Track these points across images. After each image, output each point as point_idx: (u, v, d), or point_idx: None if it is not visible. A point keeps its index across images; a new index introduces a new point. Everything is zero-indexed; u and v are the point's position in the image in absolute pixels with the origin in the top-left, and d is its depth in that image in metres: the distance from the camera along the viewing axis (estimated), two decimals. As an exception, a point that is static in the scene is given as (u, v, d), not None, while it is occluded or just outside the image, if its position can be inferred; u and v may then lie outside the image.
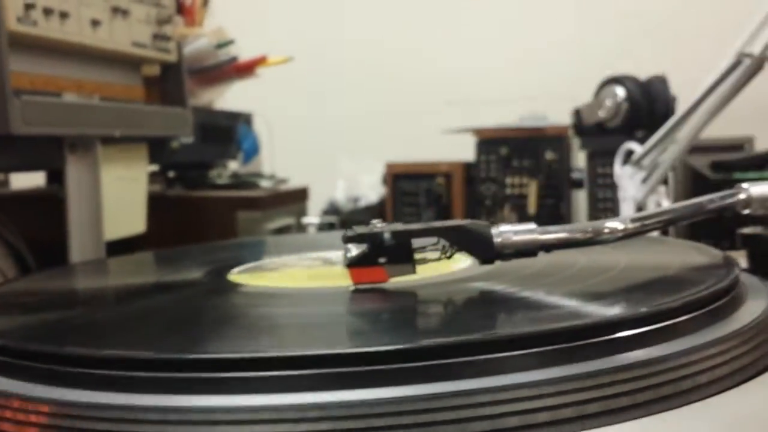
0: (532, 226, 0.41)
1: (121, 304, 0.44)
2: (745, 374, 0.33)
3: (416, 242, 0.42)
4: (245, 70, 1.05)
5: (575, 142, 1.94)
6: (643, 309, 0.34)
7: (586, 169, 1.82)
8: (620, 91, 1.79)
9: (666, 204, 1.18)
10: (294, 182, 2.09)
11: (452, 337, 0.30)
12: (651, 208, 1.19)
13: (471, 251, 0.41)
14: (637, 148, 1.21)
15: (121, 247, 0.90)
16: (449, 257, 0.41)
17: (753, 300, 0.39)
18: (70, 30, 0.75)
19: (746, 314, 0.37)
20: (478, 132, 1.95)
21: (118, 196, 0.88)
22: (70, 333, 0.37)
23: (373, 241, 0.41)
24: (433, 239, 0.42)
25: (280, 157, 2.32)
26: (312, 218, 1.08)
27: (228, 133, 1.11)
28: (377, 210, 2.04)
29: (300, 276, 0.48)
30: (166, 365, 0.30)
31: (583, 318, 0.34)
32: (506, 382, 0.29)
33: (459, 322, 0.38)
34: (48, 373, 0.32)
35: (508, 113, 2.07)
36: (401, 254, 0.41)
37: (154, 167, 1.07)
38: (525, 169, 1.91)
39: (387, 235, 0.40)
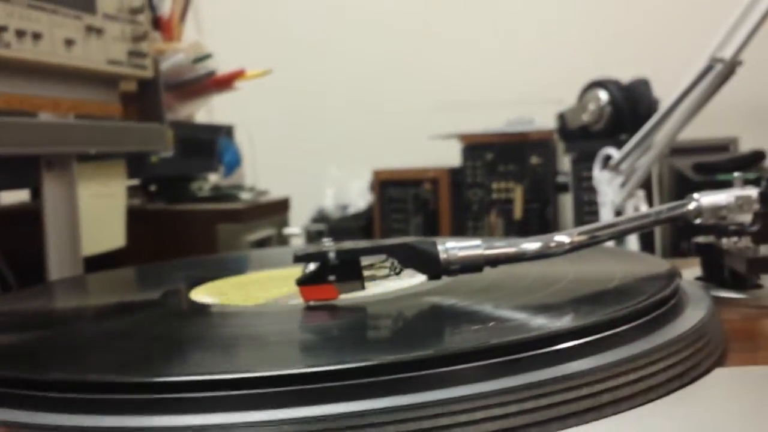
0: (478, 242, 0.43)
1: (79, 327, 0.45)
2: (681, 381, 0.34)
3: (367, 259, 0.43)
4: (223, 83, 1.06)
5: (561, 146, 1.95)
6: (582, 321, 0.35)
7: (571, 173, 1.83)
8: (603, 95, 1.81)
9: (644, 208, 1.19)
10: (282, 192, 2.11)
11: (404, 353, 0.31)
12: (629, 212, 1.21)
13: (418, 268, 0.42)
14: (614, 153, 1.22)
15: (101, 261, 0.91)
16: (398, 273, 0.42)
17: (692, 310, 0.40)
18: (44, 50, 0.76)
19: (683, 324, 0.38)
20: (463, 137, 1.96)
21: (96, 211, 0.89)
22: (28, 356, 0.38)
23: (322, 259, 0.42)
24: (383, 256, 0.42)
25: (266, 167, 2.33)
26: (294, 229, 1.09)
27: (209, 146, 1.13)
28: (365, 217, 2.05)
29: (261, 293, 0.49)
30: (119, 388, 0.31)
31: (528, 331, 0.35)
32: (455, 395, 0.30)
33: (410, 337, 0.39)
34: (5, 396, 0.33)
35: (496, 117, 2.08)
36: (350, 272, 0.42)
37: (135, 181, 1.08)
38: (511, 174, 1.92)
39: (333, 254, 0.41)
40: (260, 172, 2.26)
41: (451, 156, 2.01)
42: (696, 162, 1.74)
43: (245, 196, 1.09)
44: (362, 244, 0.43)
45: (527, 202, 1.90)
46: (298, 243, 1.27)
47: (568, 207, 1.90)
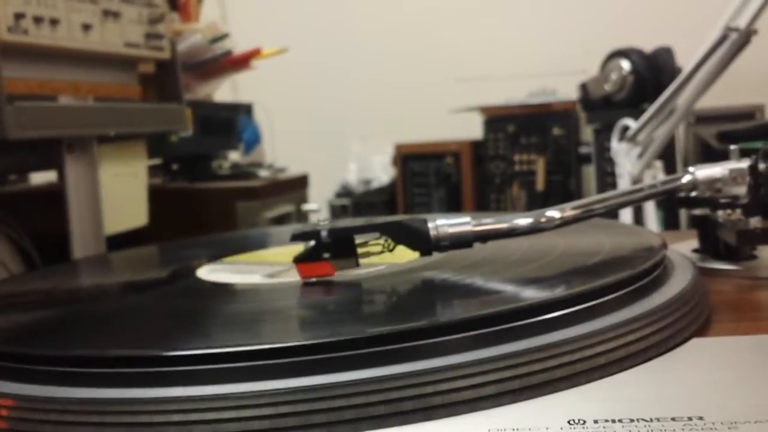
0: (467, 218, 0.44)
1: (91, 304, 0.47)
2: (658, 350, 0.36)
3: (361, 237, 0.44)
4: (240, 62, 1.08)
5: (583, 116, 1.95)
6: (566, 293, 0.37)
7: (594, 144, 1.83)
8: (625, 64, 1.80)
9: (661, 178, 1.19)
10: (306, 168, 2.13)
11: (398, 325, 0.33)
12: (647, 183, 1.20)
13: (409, 245, 0.44)
14: (632, 123, 1.22)
15: (125, 239, 0.93)
16: (391, 250, 0.44)
17: (674, 281, 0.41)
18: (61, 36, 0.79)
19: (663, 295, 0.39)
20: (484, 110, 1.96)
21: (118, 191, 0.91)
22: (45, 333, 0.40)
23: (317, 238, 0.43)
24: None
25: (289, 144, 2.35)
26: (312, 205, 1.11)
27: (228, 124, 1.15)
28: (389, 191, 2.07)
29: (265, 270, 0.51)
30: (136, 361, 0.33)
31: (515, 302, 0.37)
32: (447, 363, 0.32)
33: (403, 309, 0.40)
34: (17, 372, 0.35)
35: (518, 89, 2.08)
36: (345, 249, 0.43)
37: (157, 161, 1.11)
38: (533, 146, 1.92)
39: (325, 233, 0.43)
40: (283, 148, 2.29)
41: (473, 129, 2.02)
42: (719, 130, 1.73)
43: (263, 173, 1.11)
44: (356, 222, 0.44)
45: (550, 174, 1.91)
46: (317, 219, 1.29)
47: (591, 178, 1.90)
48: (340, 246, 0.43)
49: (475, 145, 1.99)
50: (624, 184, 1.21)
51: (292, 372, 0.32)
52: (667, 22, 2.13)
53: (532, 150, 1.93)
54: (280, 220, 1.08)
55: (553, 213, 0.45)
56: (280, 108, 2.38)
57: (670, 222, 1.66)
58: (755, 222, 0.49)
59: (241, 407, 0.30)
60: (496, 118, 1.97)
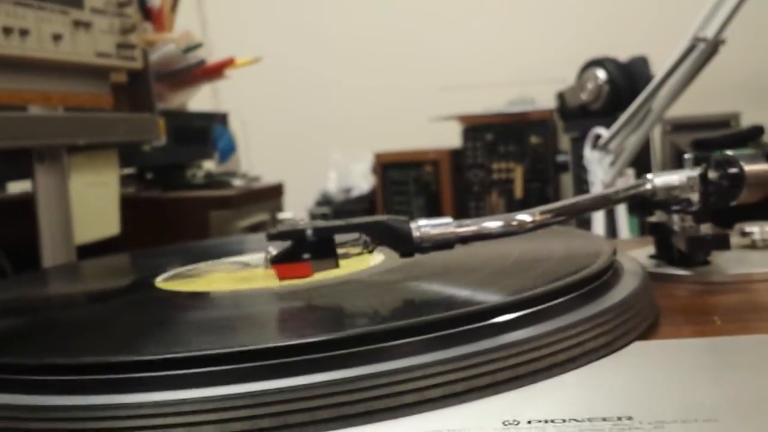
0: (449, 220, 0.43)
1: (52, 313, 0.48)
2: (599, 353, 0.37)
3: (340, 237, 0.44)
4: (214, 72, 1.08)
5: (561, 125, 1.96)
6: (511, 298, 0.38)
7: (571, 152, 1.85)
8: (601, 74, 1.81)
9: (622, 185, 1.20)
10: (285, 177, 2.13)
11: (353, 329, 0.33)
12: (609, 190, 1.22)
13: (391, 245, 0.43)
14: (604, 132, 1.24)
15: (97, 249, 0.94)
16: (370, 251, 0.43)
17: (620, 287, 0.42)
18: (31, 46, 0.79)
19: (608, 300, 0.40)
20: (463, 119, 1.98)
21: (90, 201, 0.92)
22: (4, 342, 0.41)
23: (297, 237, 0.41)
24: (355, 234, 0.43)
25: (269, 152, 2.35)
26: (287, 213, 1.11)
27: (202, 133, 1.15)
28: (369, 199, 2.07)
29: (224, 280, 0.51)
30: (93, 369, 0.33)
31: (459, 308, 0.37)
32: (399, 366, 0.32)
33: (351, 315, 0.41)
34: None
35: (497, 98, 2.09)
36: (325, 250, 0.42)
37: (131, 170, 1.11)
38: (511, 154, 1.94)
39: (309, 232, 0.41)
40: (264, 157, 2.29)
41: (452, 137, 2.03)
42: (694, 138, 1.75)
43: (237, 182, 1.11)
44: (336, 222, 0.43)
45: (527, 182, 1.92)
46: (294, 219, 1.29)
47: (569, 186, 1.91)
48: (320, 246, 0.42)
49: (454, 154, 2.01)
50: (597, 192, 1.22)
51: (237, 378, 0.32)
52: (643, 31, 2.15)
53: (510, 158, 1.95)
54: (255, 228, 1.08)
55: (525, 217, 0.45)
56: (261, 116, 2.39)
57: (645, 228, 1.67)
58: (706, 228, 0.50)
59: (187, 413, 0.31)
60: (475, 127, 1.98)
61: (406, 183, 2.00)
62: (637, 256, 0.59)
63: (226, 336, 0.39)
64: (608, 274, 0.43)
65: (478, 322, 0.36)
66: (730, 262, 0.54)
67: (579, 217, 1.36)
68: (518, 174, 1.91)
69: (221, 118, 1.22)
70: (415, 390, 0.32)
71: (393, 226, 0.43)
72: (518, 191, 1.91)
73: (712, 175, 0.50)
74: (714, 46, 1.04)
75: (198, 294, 0.48)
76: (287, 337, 0.35)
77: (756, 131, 1.76)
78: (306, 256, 0.42)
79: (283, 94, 2.41)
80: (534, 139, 1.93)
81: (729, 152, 0.49)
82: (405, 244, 0.43)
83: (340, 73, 2.39)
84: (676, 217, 0.54)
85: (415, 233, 0.43)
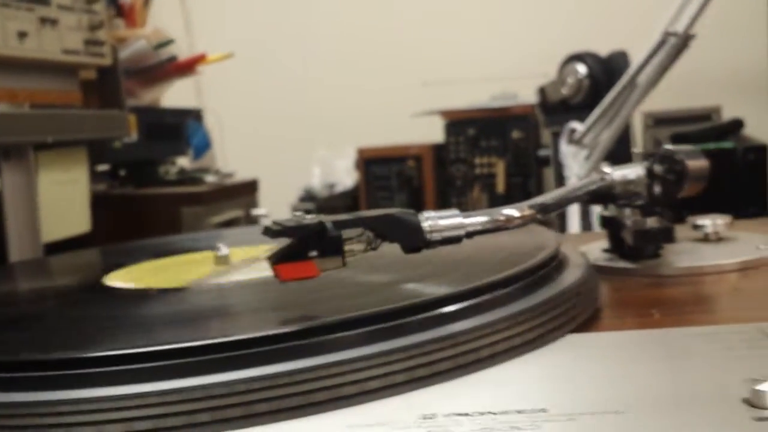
0: (456, 211, 0.41)
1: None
2: (528, 347, 0.37)
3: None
4: (186, 68, 1.08)
5: (543, 119, 1.96)
6: (459, 288, 0.38)
7: (552, 147, 1.85)
8: (581, 68, 1.81)
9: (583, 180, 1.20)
10: (269, 173, 2.12)
11: (300, 324, 0.33)
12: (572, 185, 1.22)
13: (400, 240, 0.40)
14: (579, 127, 1.24)
15: (69, 246, 0.93)
16: (375, 249, 0.39)
17: (560, 280, 0.42)
18: (-5, 43, 0.79)
19: (546, 293, 0.40)
20: (445, 114, 1.98)
21: (59, 198, 0.92)
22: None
23: (305, 233, 0.37)
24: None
25: (254, 149, 2.35)
26: (261, 210, 1.11)
27: (176, 130, 1.15)
28: (352, 195, 2.08)
29: (172, 276, 0.51)
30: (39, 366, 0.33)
31: (388, 304, 0.37)
32: (340, 358, 0.33)
33: (304, 307, 0.41)
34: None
35: (480, 93, 2.10)
36: (331, 247, 0.38)
37: (105, 167, 1.11)
38: (493, 149, 1.94)
39: (331, 225, 0.37)
40: (247, 154, 2.29)
41: (435, 132, 2.03)
42: (673, 132, 1.75)
43: (210, 178, 1.11)
44: (343, 216, 0.39)
45: (509, 176, 1.92)
46: (266, 223, 1.29)
47: (551, 180, 1.91)
48: (326, 243, 0.38)
49: (437, 149, 2.01)
50: (557, 191, 1.22)
51: (175, 373, 0.32)
52: (623, 25, 2.15)
53: (492, 153, 1.95)
54: (228, 224, 1.08)
55: (512, 212, 0.45)
56: (245, 113, 2.39)
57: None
58: (652, 222, 0.50)
59: (122, 409, 0.31)
60: (457, 122, 1.98)
61: (388, 178, 2.00)
62: (592, 249, 0.60)
63: (163, 332, 0.39)
64: (546, 269, 0.43)
65: (401, 318, 0.36)
66: (680, 255, 0.55)
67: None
68: (500, 169, 1.91)
69: (195, 114, 1.22)
70: (331, 387, 0.32)
71: (403, 219, 0.40)
72: (500, 186, 1.91)
73: (657, 169, 0.50)
74: (684, 40, 1.04)
75: (141, 291, 0.48)
76: (225, 333, 0.35)
77: (735, 124, 1.77)
78: (313, 253, 0.38)
79: (268, 91, 2.40)
80: (516, 134, 1.93)
81: (669, 147, 0.49)
82: (415, 238, 0.40)
83: (324, 69, 2.38)
84: (628, 211, 0.54)
85: (425, 226, 0.40)
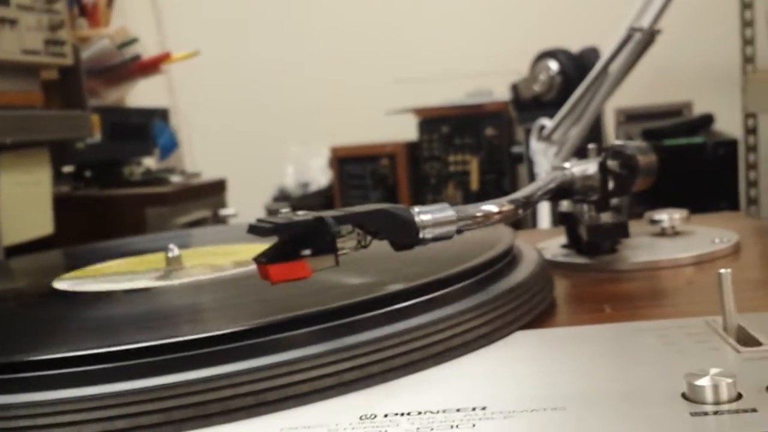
0: (446, 205, 0.39)
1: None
2: (474, 345, 0.37)
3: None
4: (150, 67, 1.07)
5: (516, 116, 1.97)
6: (406, 285, 0.37)
7: (525, 144, 1.85)
8: (553, 65, 1.82)
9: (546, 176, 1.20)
10: (242, 172, 2.11)
11: (247, 323, 0.33)
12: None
13: (393, 236, 0.38)
14: (548, 123, 1.24)
15: (33, 248, 0.92)
16: (365, 246, 0.37)
17: (512, 276, 0.42)
18: (-49, 43, 0.78)
19: (496, 289, 0.40)
20: (419, 111, 1.97)
21: (20, 200, 0.90)
22: None
23: (301, 229, 0.35)
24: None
25: (225, 149, 2.34)
26: (229, 210, 1.11)
27: (141, 129, 1.14)
28: (327, 194, 2.07)
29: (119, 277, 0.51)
30: None
31: (357, 296, 0.37)
32: (297, 356, 0.32)
33: (259, 307, 0.40)
34: None
35: (455, 90, 2.10)
36: (324, 244, 0.35)
37: (70, 168, 1.10)
38: (467, 146, 1.94)
39: (332, 220, 0.35)
40: (218, 153, 2.27)
41: (409, 130, 2.03)
42: (644, 128, 1.76)
43: (175, 179, 1.10)
44: (334, 211, 0.37)
45: (483, 174, 1.93)
46: (235, 223, 1.28)
47: (525, 177, 1.92)
48: (319, 241, 0.35)
49: (411, 147, 2.01)
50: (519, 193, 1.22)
51: (124, 375, 0.31)
52: (595, 22, 2.16)
53: (466, 150, 1.95)
54: (195, 225, 1.07)
55: (491, 207, 0.44)
56: (217, 111, 2.38)
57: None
58: (606, 217, 0.50)
59: (66, 412, 0.30)
60: (431, 120, 1.98)
61: (363, 177, 1.99)
62: (551, 245, 0.60)
63: (113, 335, 0.38)
64: (497, 266, 0.43)
65: (343, 317, 0.35)
66: (637, 250, 0.55)
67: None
68: (474, 166, 1.92)
69: (162, 114, 1.21)
70: (270, 389, 0.32)
71: (396, 214, 0.38)
72: (474, 183, 1.91)
73: (611, 164, 0.50)
74: (650, 36, 1.05)
75: (89, 294, 0.47)
76: (167, 334, 0.34)
77: (706, 120, 1.78)
78: (306, 252, 0.35)
79: (241, 89, 2.39)
80: (489, 131, 1.93)
81: (619, 142, 0.49)
82: (408, 234, 0.38)
83: (297, 68, 2.37)
84: (586, 207, 0.54)
85: (418, 221, 0.38)
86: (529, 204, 0.46)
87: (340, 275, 0.44)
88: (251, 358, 0.32)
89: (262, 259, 0.35)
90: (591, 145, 0.54)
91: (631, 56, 1.08)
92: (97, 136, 0.95)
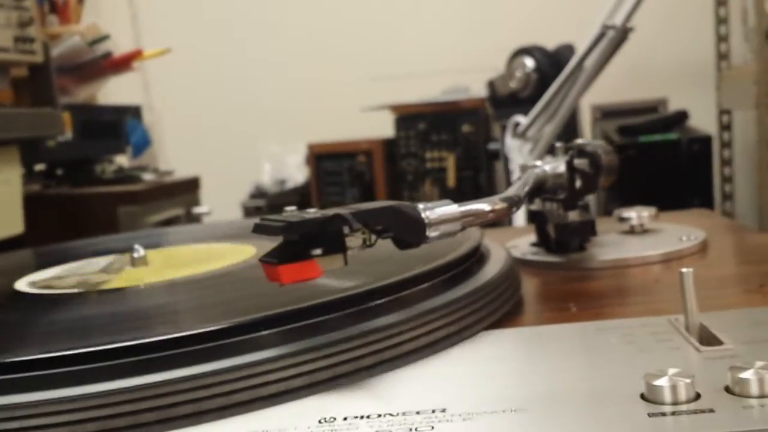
0: (449, 201, 0.39)
1: None
2: (453, 341, 0.37)
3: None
4: (121, 64, 1.06)
5: (492, 113, 1.97)
6: (368, 286, 0.37)
7: (501, 140, 1.85)
8: (529, 62, 1.82)
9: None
10: (217, 170, 2.09)
11: (210, 325, 0.32)
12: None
13: (401, 234, 0.37)
14: (523, 120, 1.24)
15: (2, 248, 0.91)
16: (371, 245, 0.36)
17: (478, 277, 0.42)
18: None
19: (460, 290, 0.40)
20: (395, 108, 1.97)
21: (-11, 199, 0.89)
22: None
23: (320, 227, 0.33)
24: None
25: (201, 146, 2.33)
26: (203, 208, 1.10)
27: (113, 127, 1.13)
28: (303, 191, 2.06)
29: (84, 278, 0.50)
30: None
31: (328, 295, 0.36)
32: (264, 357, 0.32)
33: (225, 309, 0.40)
34: None
35: (432, 87, 2.10)
36: (333, 243, 0.34)
37: (41, 166, 1.09)
38: (443, 143, 1.94)
39: (350, 215, 0.34)
40: (195, 151, 2.26)
41: (386, 127, 2.03)
42: (620, 124, 1.77)
43: (148, 177, 1.10)
44: (344, 208, 0.36)
45: (460, 170, 1.93)
46: (209, 222, 1.28)
47: (502, 174, 1.92)
48: (328, 240, 0.34)
49: (387, 143, 2.00)
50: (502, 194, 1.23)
51: (90, 378, 0.31)
52: (572, 19, 2.17)
53: (442, 147, 1.95)
54: (168, 223, 1.07)
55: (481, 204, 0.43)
56: (193, 108, 2.36)
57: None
58: (573, 215, 0.50)
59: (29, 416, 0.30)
60: (407, 116, 1.98)
61: (339, 173, 1.99)
62: (521, 243, 0.60)
63: (77, 338, 0.38)
64: (463, 266, 0.43)
65: (305, 319, 0.35)
66: (605, 248, 0.55)
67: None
68: (450, 163, 1.92)
69: (134, 111, 1.20)
70: (220, 395, 0.31)
71: (405, 211, 0.37)
72: (450, 180, 1.91)
73: (578, 163, 0.50)
74: (623, 33, 1.05)
75: (53, 296, 0.47)
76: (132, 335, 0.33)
77: (680, 116, 1.79)
78: (317, 252, 0.34)
79: (217, 86, 2.38)
80: (466, 128, 1.93)
81: (581, 141, 0.49)
82: (416, 232, 0.37)
83: (274, 65, 2.36)
84: (554, 205, 0.54)
85: (425, 218, 0.37)
86: (521, 202, 0.46)
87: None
88: (213, 360, 0.32)
89: (271, 260, 0.33)
90: (558, 144, 0.54)
91: (604, 54, 1.09)
92: (68, 134, 0.94)
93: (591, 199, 1.43)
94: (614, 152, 0.49)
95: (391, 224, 0.36)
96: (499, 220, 0.44)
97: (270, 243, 0.35)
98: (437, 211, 0.38)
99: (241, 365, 0.31)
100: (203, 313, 0.40)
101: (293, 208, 0.38)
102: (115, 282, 0.47)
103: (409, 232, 0.37)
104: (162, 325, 0.39)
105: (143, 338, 0.32)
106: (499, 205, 0.43)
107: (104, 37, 1.04)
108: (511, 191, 0.46)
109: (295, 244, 0.33)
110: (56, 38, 1.01)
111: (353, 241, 0.35)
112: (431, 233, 0.37)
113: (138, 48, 1.07)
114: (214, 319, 0.34)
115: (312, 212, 0.35)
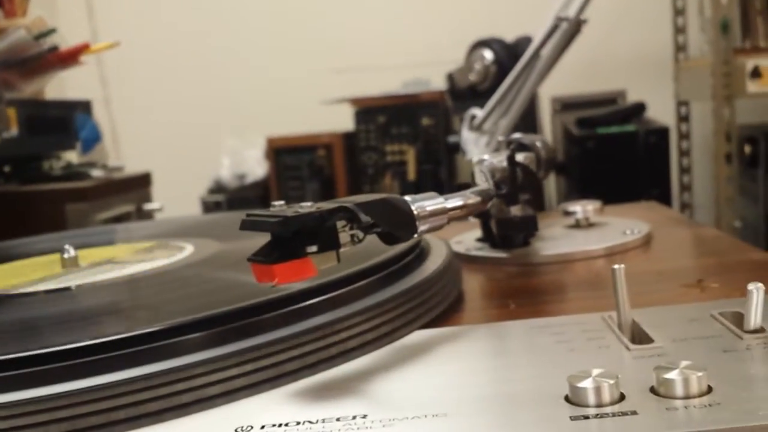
0: (434, 193, 0.38)
1: None
2: (383, 342, 0.36)
3: None
4: (68, 58, 1.04)
5: (452, 106, 1.96)
6: (300, 287, 0.36)
7: (460, 133, 1.85)
8: (488, 54, 1.82)
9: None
10: (175, 165, 2.07)
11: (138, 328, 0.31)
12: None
13: (392, 228, 0.35)
14: (479, 113, 1.23)
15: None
16: (360, 241, 0.34)
17: (415, 274, 0.41)
18: None
19: (396, 288, 0.39)
20: (355, 101, 1.96)
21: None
22: None
23: (319, 220, 0.32)
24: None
25: (157, 140, 2.29)
26: (154, 204, 1.08)
27: (62, 123, 1.10)
28: (263, 185, 2.04)
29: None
30: None
31: (257, 297, 0.35)
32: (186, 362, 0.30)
33: (158, 311, 0.39)
34: None
35: (392, 80, 2.09)
36: (327, 240, 0.33)
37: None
38: (403, 136, 1.93)
39: (355, 207, 0.32)
40: (150, 145, 2.23)
41: (346, 120, 2.02)
42: (578, 117, 1.78)
43: (97, 173, 1.07)
44: (330, 203, 0.34)
45: (420, 164, 1.92)
46: (160, 218, 1.26)
47: (463, 167, 1.92)
48: (323, 236, 0.32)
49: (347, 137, 1.99)
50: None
51: (30, 382, 0.30)
52: (531, 11, 2.17)
53: (403, 140, 1.94)
54: (119, 220, 1.04)
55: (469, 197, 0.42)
56: (151, 102, 2.33)
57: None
58: (515, 211, 0.50)
59: None
60: (367, 109, 1.97)
61: (299, 168, 1.97)
62: (466, 239, 0.59)
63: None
64: (398, 264, 0.42)
65: (230, 322, 0.34)
66: (550, 242, 0.54)
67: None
68: (411, 156, 1.91)
69: (84, 106, 1.17)
70: (130, 405, 0.30)
71: (397, 205, 0.35)
72: (411, 173, 1.91)
73: (518, 157, 0.49)
74: (576, 26, 1.05)
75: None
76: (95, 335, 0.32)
77: (638, 108, 1.80)
78: (312, 249, 0.32)
79: (175, 80, 2.34)
80: (426, 121, 1.93)
81: (517, 135, 0.48)
82: (406, 226, 0.36)
83: (232, 58, 2.34)
84: (498, 200, 0.53)
85: (415, 212, 0.36)
86: (494, 195, 0.45)
87: (232, 273, 0.43)
88: (130, 367, 0.31)
89: (262, 259, 0.31)
90: (501, 138, 0.53)
91: (557, 46, 1.08)
92: (13, 130, 0.91)
93: (552, 191, 1.42)
94: (552, 146, 0.48)
95: (383, 218, 0.34)
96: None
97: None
98: (426, 204, 0.37)
99: (162, 371, 0.30)
100: (131, 316, 0.38)
101: (281, 202, 0.35)
102: None
103: (400, 226, 0.35)
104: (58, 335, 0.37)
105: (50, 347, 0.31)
106: (473, 199, 0.42)
107: (51, 31, 1.02)
108: (482, 185, 0.45)
109: (285, 242, 0.31)
110: (1, 32, 0.98)
111: (343, 236, 0.33)
112: (421, 227, 0.36)
113: (87, 42, 1.04)
114: (138, 323, 0.33)
115: (307, 206, 0.33)
